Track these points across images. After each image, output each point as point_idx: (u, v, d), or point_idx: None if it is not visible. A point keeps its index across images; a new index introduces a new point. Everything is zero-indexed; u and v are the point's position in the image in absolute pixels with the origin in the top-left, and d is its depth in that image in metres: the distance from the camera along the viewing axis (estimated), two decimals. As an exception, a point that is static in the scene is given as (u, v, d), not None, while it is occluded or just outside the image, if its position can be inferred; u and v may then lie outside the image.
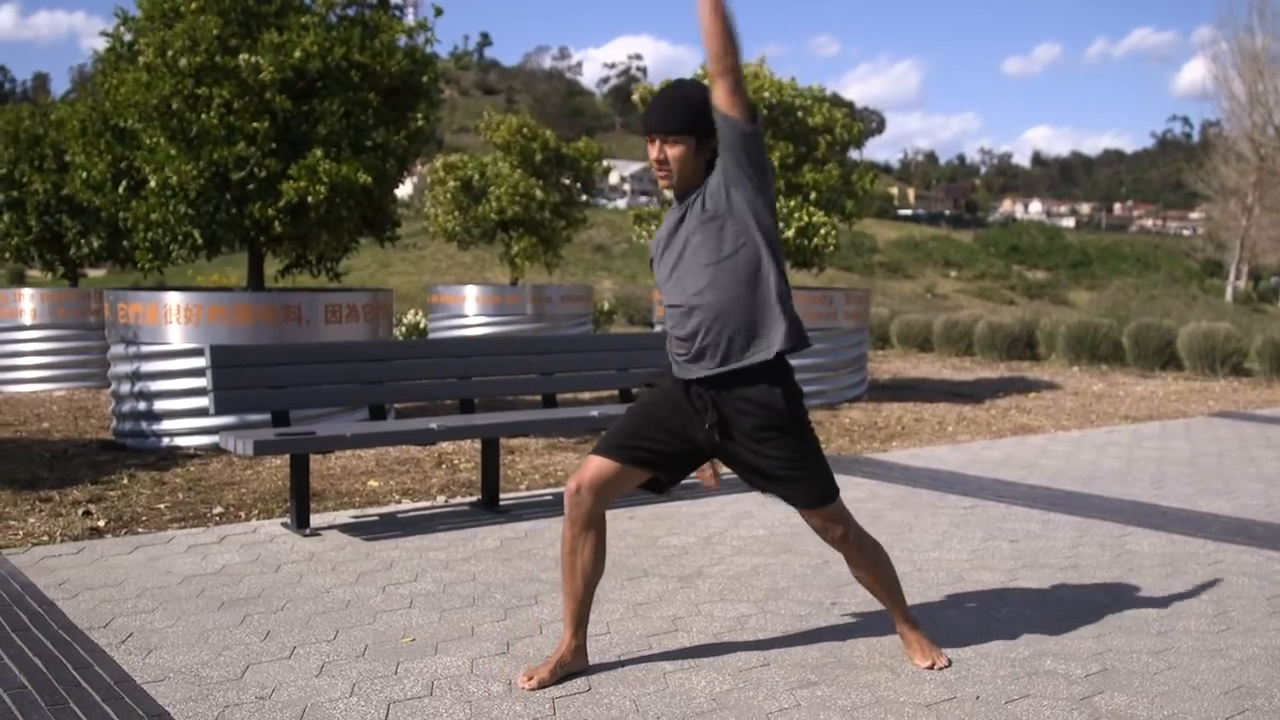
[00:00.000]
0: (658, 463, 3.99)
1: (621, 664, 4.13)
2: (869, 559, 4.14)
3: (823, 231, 11.54)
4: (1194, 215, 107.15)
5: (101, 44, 9.23)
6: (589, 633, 4.38)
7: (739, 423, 3.88)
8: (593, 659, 4.16)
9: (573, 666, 3.99)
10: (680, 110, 3.80)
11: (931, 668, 4.11)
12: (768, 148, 11.66)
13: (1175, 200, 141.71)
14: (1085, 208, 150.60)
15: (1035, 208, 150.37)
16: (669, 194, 3.95)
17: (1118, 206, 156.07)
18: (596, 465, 3.94)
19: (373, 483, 7.48)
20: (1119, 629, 4.62)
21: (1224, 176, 57.41)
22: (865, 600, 4.90)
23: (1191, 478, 8.13)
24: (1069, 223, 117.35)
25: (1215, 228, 62.41)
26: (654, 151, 3.82)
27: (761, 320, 3.83)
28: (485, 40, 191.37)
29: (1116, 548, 6.00)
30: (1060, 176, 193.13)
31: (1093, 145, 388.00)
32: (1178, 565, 5.66)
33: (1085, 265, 67.53)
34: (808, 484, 3.95)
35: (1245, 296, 54.40)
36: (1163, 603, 5.01)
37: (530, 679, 3.88)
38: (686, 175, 3.85)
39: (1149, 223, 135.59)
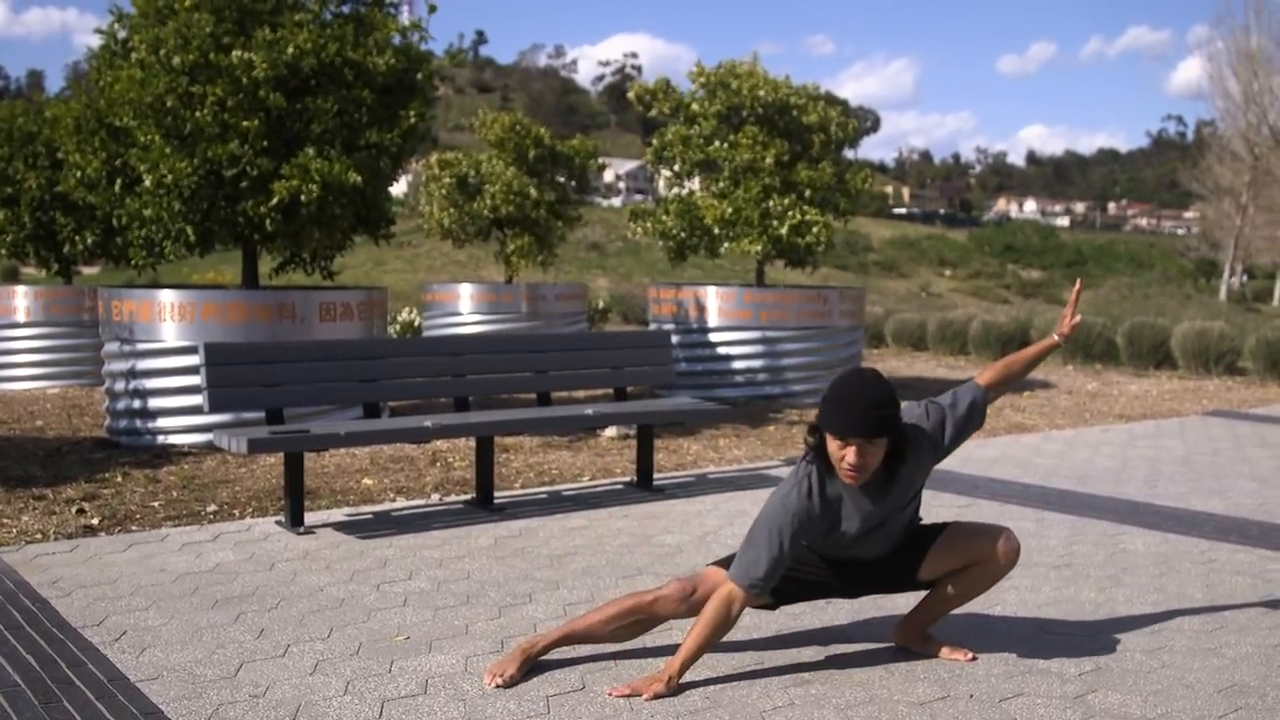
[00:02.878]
0: (782, 591, 4.10)
1: (615, 662, 4.13)
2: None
3: (815, 230, 11.54)
4: (1188, 214, 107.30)
5: (96, 41, 9.21)
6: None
7: None
8: (587, 657, 4.16)
9: (530, 665, 4.01)
10: (881, 417, 3.73)
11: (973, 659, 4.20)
12: (761, 145, 11.71)
13: (1170, 199, 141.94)
14: (1080, 207, 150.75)
15: (1030, 207, 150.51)
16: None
17: (1112, 206, 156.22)
18: (714, 582, 3.99)
19: (367, 481, 7.47)
20: (1112, 627, 4.63)
21: (1218, 176, 57.51)
22: (860, 599, 4.90)
23: (1185, 476, 8.14)
24: (1063, 222, 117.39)
25: (1210, 227, 62.54)
26: (851, 457, 3.73)
27: None
28: (480, 38, 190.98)
29: (1110, 546, 6.01)
30: (1055, 175, 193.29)
31: (1087, 144, 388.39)
32: (1171, 564, 5.67)
33: (1080, 264, 67.53)
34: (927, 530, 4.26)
35: (1239, 296, 54.49)
36: (1156, 601, 5.02)
37: (500, 675, 3.89)
38: (873, 470, 3.83)
39: (1143, 222, 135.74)
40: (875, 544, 4.05)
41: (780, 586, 3.97)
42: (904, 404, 3.91)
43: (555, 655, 4.14)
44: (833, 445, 3.76)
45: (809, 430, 3.87)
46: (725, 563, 4.03)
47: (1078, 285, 4.75)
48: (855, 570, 4.13)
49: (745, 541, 3.90)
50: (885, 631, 4.43)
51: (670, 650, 4.06)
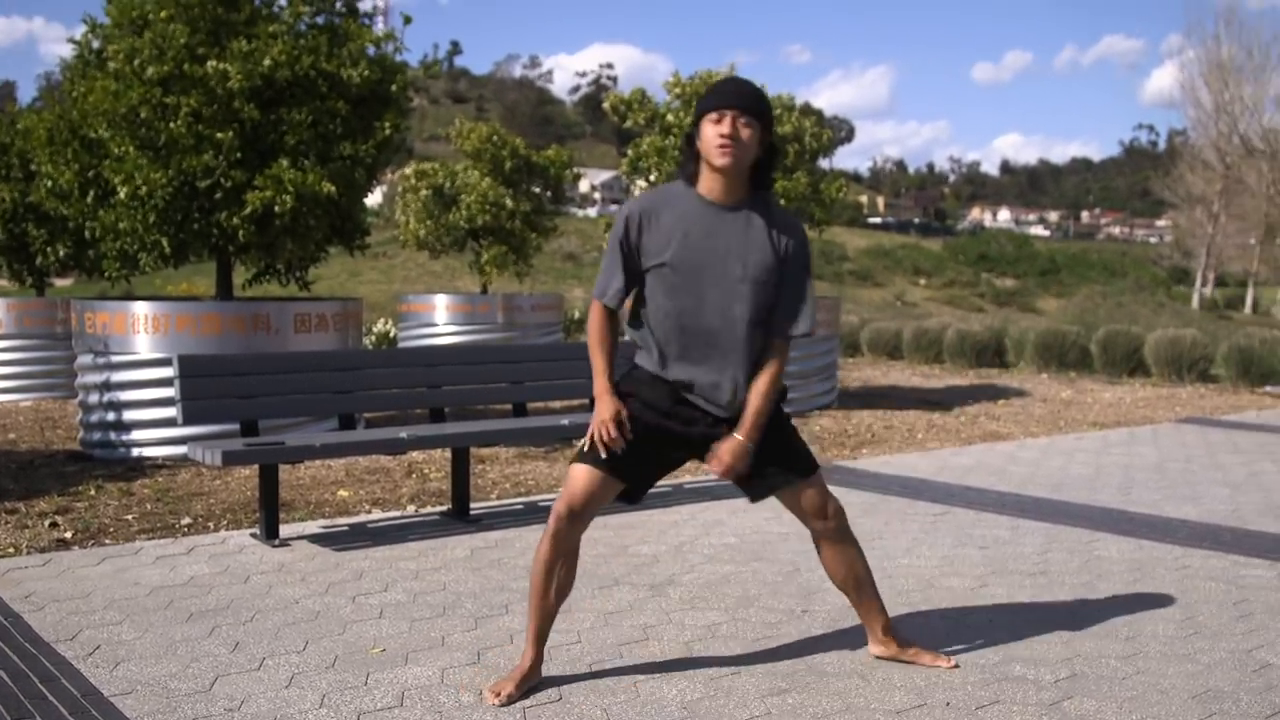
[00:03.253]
0: (641, 469, 4.00)
1: (593, 673, 4.13)
2: (855, 547, 4.20)
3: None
4: (1160, 223, 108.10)
5: (66, 50, 9.18)
6: (558, 642, 4.41)
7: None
8: (564, 668, 4.16)
9: (534, 680, 3.98)
10: (758, 95, 3.85)
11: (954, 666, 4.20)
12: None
13: (1142, 208, 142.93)
14: (1053, 215, 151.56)
15: (1004, 215, 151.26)
16: (715, 167, 3.84)
17: (1085, 214, 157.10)
18: (584, 480, 3.92)
19: (342, 492, 7.45)
20: (1088, 634, 4.65)
21: (1190, 184, 58.02)
22: (836, 608, 4.92)
23: (1159, 483, 8.18)
24: (1037, 231, 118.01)
25: (1182, 235, 63.04)
26: (725, 126, 3.75)
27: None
28: (455, 49, 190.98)
29: (1085, 553, 6.03)
30: (1028, 184, 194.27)
31: (1060, 153, 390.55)
32: (1146, 570, 5.70)
33: (1053, 273, 67.95)
34: (802, 454, 4.07)
35: (1211, 303, 54.88)
36: (1131, 608, 5.04)
37: (498, 694, 3.85)
38: (744, 165, 3.83)
39: (1116, 230, 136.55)
40: (712, 297, 3.86)
41: (632, 452, 3.93)
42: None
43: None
44: (708, 129, 3.79)
45: (681, 145, 3.94)
46: (584, 457, 3.95)
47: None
48: (707, 400, 3.97)
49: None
50: (862, 640, 4.43)
51: (642, 660, 4.05)
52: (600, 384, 3.93)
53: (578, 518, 3.93)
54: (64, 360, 12.55)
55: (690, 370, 3.93)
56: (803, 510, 4.08)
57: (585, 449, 3.95)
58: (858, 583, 4.21)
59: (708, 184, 3.86)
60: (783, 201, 11.85)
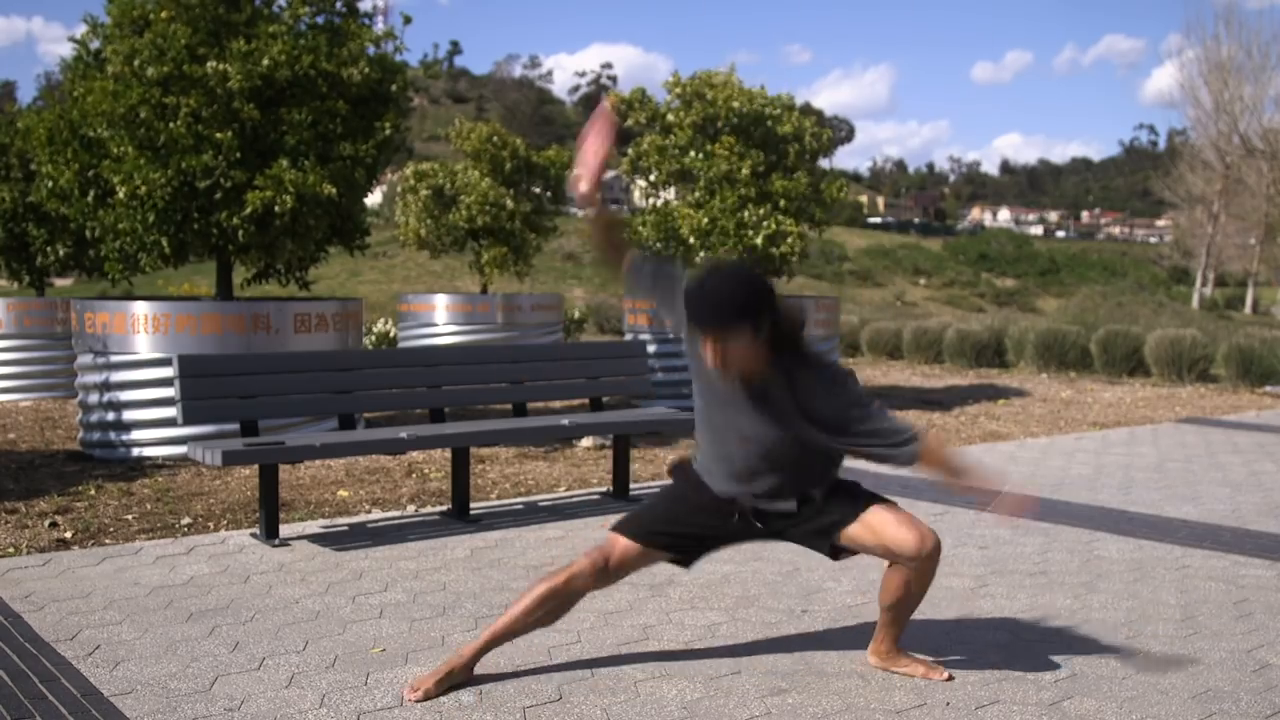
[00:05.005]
0: (687, 547, 4.05)
1: (592, 672, 4.13)
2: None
3: (790, 239, 11.58)
4: (1160, 223, 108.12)
5: (66, 50, 9.18)
6: (559, 642, 4.41)
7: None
8: (564, 668, 4.16)
9: (459, 679, 3.96)
10: (734, 308, 3.59)
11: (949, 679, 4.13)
12: (738, 156, 11.74)
13: (1142, 208, 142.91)
14: (1053, 215, 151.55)
15: (1004, 215, 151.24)
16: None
17: (1085, 214, 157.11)
18: (623, 550, 3.96)
19: (342, 492, 7.45)
20: (1088, 634, 4.65)
21: (1190, 184, 57.99)
22: (836, 608, 4.92)
23: (1159, 483, 8.18)
24: (1037, 230, 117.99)
25: (1182, 235, 63.03)
26: (709, 352, 3.64)
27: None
28: (455, 48, 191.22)
29: (1085, 553, 6.03)
30: (1028, 184, 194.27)
31: (1061, 153, 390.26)
32: (1145, 570, 5.70)
33: (1053, 273, 67.94)
34: (861, 492, 4.01)
35: (1211, 303, 54.89)
36: (1130, 608, 5.04)
37: (416, 690, 3.86)
38: (747, 364, 3.70)
39: (1116, 230, 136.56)
40: (753, 424, 3.82)
41: (684, 535, 3.97)
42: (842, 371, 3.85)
43: (531, 668, 4.13)
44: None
45: None
46: (624, 526, 3.99)
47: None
48: (765, 509, 3.96)
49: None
50: (863, 640, 4.43)
51: (642, 659, 4.05)
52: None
53: (604, 578, 3.97)
54: (64, 360, 12.55)
55: (736, 487, 3.94)
56: (898, 546, 3.89)
57: (628, 519, 4.00)
58: (906, 606, 4.09)
59: None
60: (783, 202, 11.86)
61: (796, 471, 3.90)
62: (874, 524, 3.90)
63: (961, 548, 6.11)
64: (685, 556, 4.12)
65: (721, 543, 4.14)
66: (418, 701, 3.82)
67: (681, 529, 4.01)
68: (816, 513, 3.95)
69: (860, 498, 3.98)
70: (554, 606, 4.00)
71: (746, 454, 3.86)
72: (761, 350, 3.68)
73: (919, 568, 3.90)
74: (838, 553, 4.03)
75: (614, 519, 6.62)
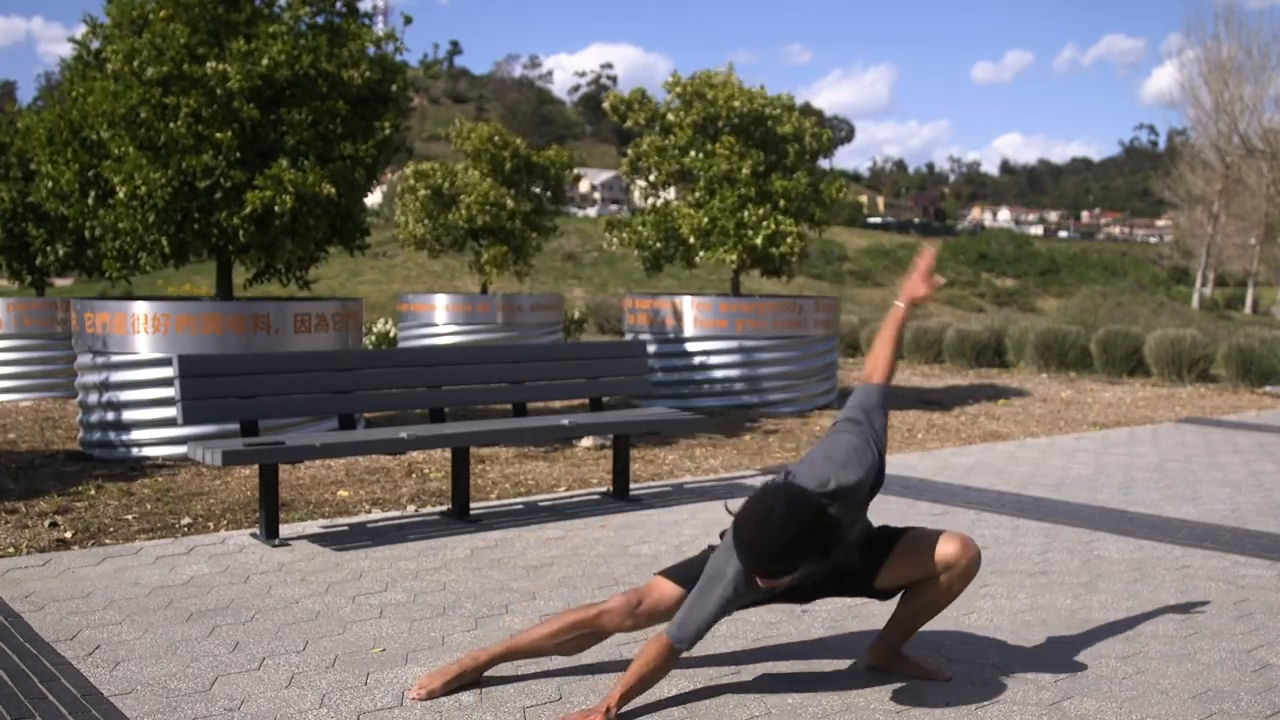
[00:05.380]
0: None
1: (592, 673, 4.13)
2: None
3: (790, 239, 11.58)
4: (1160, 223, 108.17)
5: (65, 50, 9.18)
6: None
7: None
8: (564, 668, 4.16)
9: (466, 681, 3.96)
10: (779, 549, 3.46)
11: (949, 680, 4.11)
12: (738, 156, 11.74)
13: (1142, 208, 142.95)
14: (1053, 215, 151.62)
15: (1004, 215, 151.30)
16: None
17: (1085, 214, 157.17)
18: (662, 592, 3.91)
19: (342, 492, 7.45)
20: (1087, 634, 4.65)
21: (1190, 184, 58.00)
22: (836, 608, 4.92)
23: (1159, 483, 8.18)
24: (1037, 230, 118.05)
25: (1182, 235, 63.03)
26: (762, 583, 3.55)
27: None
28: (455, 48, 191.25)
29: (1085, 553, 6.03)
30: (1028, 184, 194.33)
31: (1061, 153, 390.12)
32: (1146, 570, 5.70)
33: (1053, 273, 67.93)
34: (886, 530, 4.02)
35: (1211, 303, 54.90)
36: (1131, 608, 5.04)
37: (422, 689, 3.86)
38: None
39: (1116, 230, 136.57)
40: (827, 576, 3.84)
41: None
42: (839, 453, 3.74)
43: (533, 667, 4.13)
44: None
45: None
46: (673, 572, 3.93)
47: (929, 252, 4.32)
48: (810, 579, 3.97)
49: (693, 594, 3.73)
50: (862, 641, 4.43)
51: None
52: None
53: (636, 620, 3.92)
54: (64, 360, 12.55)
55: None
56: (949, 560, 3.88)
57: (676, 566, 3.96)
58: (922, 618, 4.09)
59: None
60: (782, 202, 11.86)
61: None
62: (911, 550, 3.94)
63: (961, 548, 6.11)
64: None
65: (769, 601, 4.04)
66: (421, 700, 3.82)
67: (725, 598, 3.77)
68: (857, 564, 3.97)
69: (882, 538, 4.01)
70: (580, 638, 3.98)
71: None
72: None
73: (966, 571, 3.91)
74: (886, 594, 4.05)
75: (613, 519, 6.64)
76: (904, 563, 3.93)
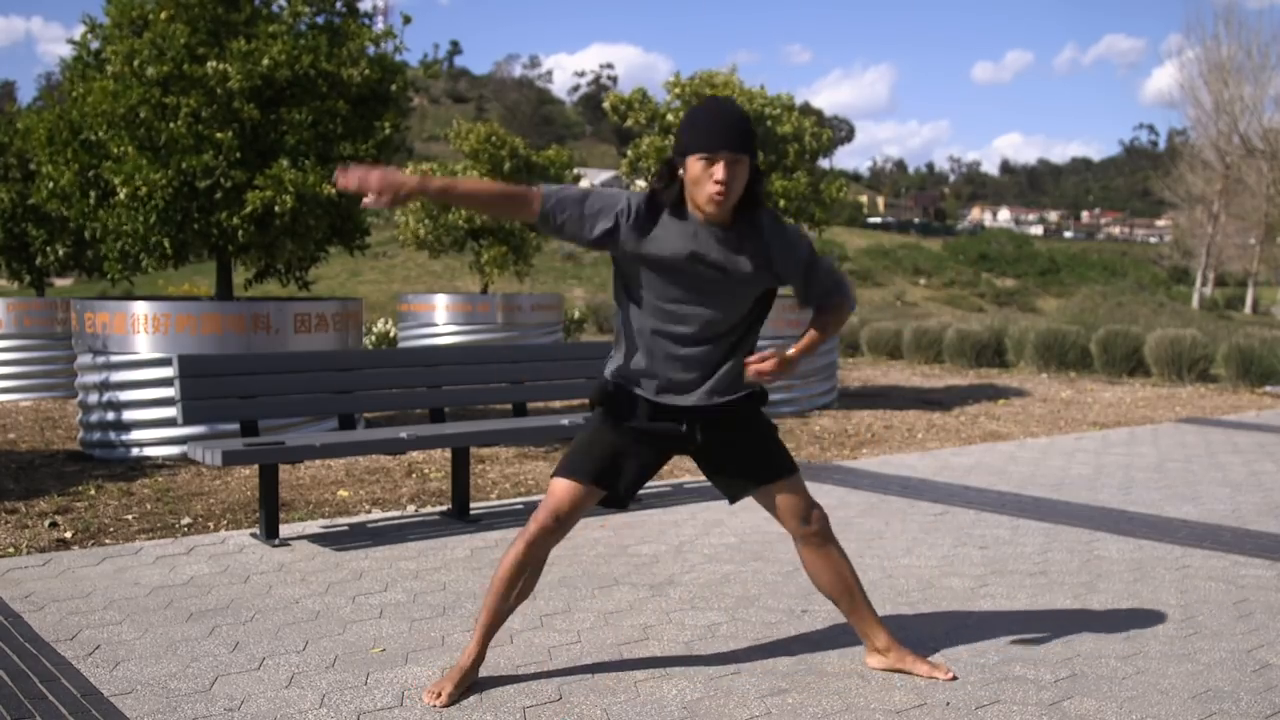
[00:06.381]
0: (624, 476, 3.96)
1: (592, 673, 4.13)
2: (839, 554, 4.13)
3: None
4: (1160, 223, 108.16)
5: (65, 50, 9.20)
6: (559, 642, 4.41)
7: (714, 434, 3.95)
8: (564, 668, 4.16)
9: (473, 679, 3.96)
10: (747, 130, 3.68)
11: (952, 678, 4.10)
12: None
13: (1142, 208, 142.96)
14: (1053, 215, 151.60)
15: (1004, 215, 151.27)
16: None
17: (1085, 214, 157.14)
18: (566, 491, 3.89)
19: (342, 492, 7.45)
20: (1088, 634, 4.65)
21: (1190, 184, 58.03)
22: (836, 608, 4.92)
23: (1159, 483, 8.18)
24: (1037, 230, 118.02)
25: (1182, 235, 63.07)
26: (719, 172, 3.62)
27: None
28: (455, 48, 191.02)
29: (1085, 553, 6.03)
30: (1028, 184, 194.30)
31: (1061, 153, 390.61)
32: (1146, 570, 5.70)
33: (1053, 273, 67.94)
34: (778, 454, 4.02)
35: (1211, 303, 54.90)
36: (1131, 608, 5.04)
37: (438, 694, 3.83)
38: (733, 204, 3.74)
39: (1116, 230, 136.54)
40: (691, 311, 3.82)
41: (612, 456, 3.92)
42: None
43: (532, 668, 4.13)
44: (696, 168, 3.64)
45: (659, 169, 3.82)
46: (562, 469, 3.93)
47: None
48: (703, 405, 3.93)
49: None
50: (862, 640, 4.44)
51: (642, 659, 4.05)
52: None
53: (560, 528, 3.91)
54: (64, 360, 12.55)
55: (662, 373, 3.90)
56: (782, 513, 4.03)
57: (566, 461, 3.94)
58: (847, 590, 4.14)
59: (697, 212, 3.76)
60: (782, 202, 11.85)
61: (729, 364, 3.92)
62: (774, 500, 4.04)
63: (962, 547, 6.11)
64: (618, 490, 3.98)
65: (646, 459, 4.00)
66: (443, 706, 3.81)
67: (611, 455, 3.92)
68: (751, 448, 3.98)
69: (771, 457, 4.03)
70: (529, 576, 3.95)
71: (691, 337, 3.84)
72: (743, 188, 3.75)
73: (811, 539, 4.08)
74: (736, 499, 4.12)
75: (613, 519, 6.64)
76: (767, 496, 4.04)
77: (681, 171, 3.71)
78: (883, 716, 3.76)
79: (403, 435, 6.48)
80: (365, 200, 3.57)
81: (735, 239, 3.77)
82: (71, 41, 9.15)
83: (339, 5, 9.40)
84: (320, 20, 9.31)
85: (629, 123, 12.68)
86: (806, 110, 13.54)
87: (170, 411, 8.11)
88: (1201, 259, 58.21)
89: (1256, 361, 16.12)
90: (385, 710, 3.76)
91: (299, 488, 7.57)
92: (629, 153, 12.76)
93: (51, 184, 8.96)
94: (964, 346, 19.00)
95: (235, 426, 6.67)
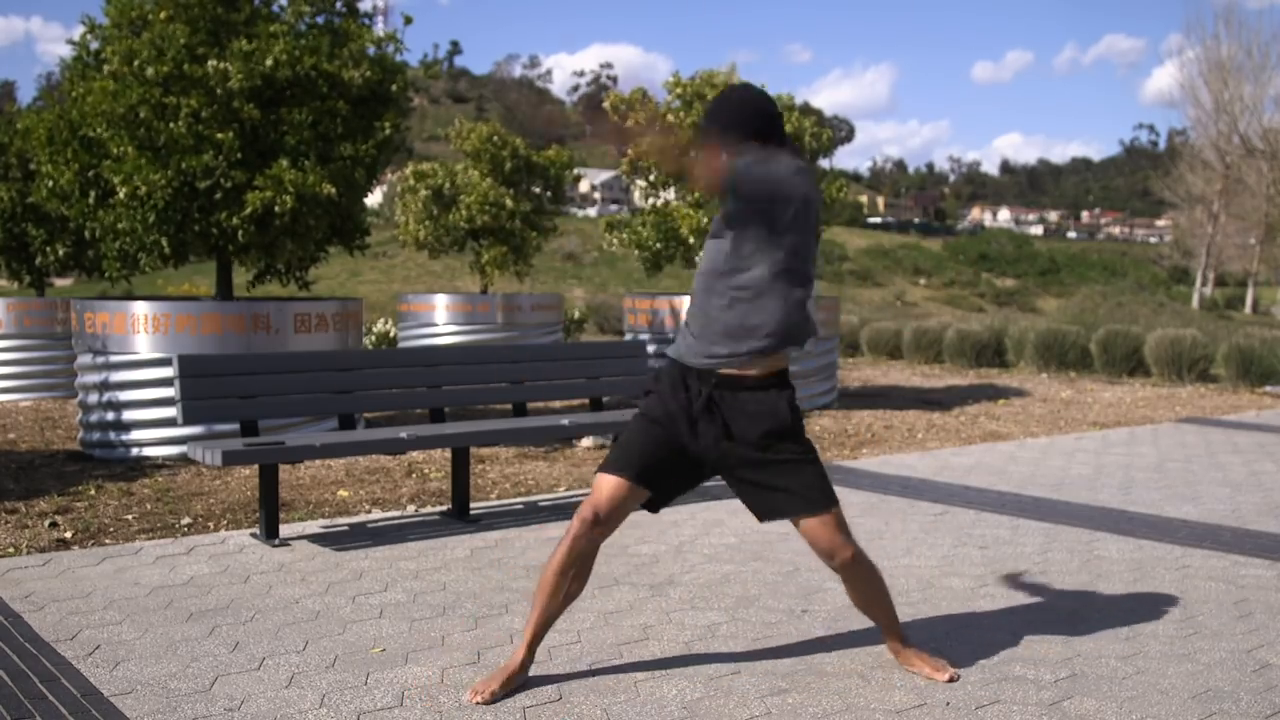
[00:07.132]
0: (666, 479, 4.01)
1: (593, 673, 4.13)
2: (871, 583, 4.11)
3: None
4: (1160, 223, 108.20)
5: (65, 50, 9.21)
6: (558, 642, 4.41)
7: (744, 431, 3.90)
8: (564, 668, 4.16)
9: (521, 679, 3.97)
10: (716, 108, 4.12)
11: (951, 680, 4.09)
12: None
13: (1142, 208, 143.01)
14: (1053, 215, 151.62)
15: (1004, 215, 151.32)
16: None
17: (1085, 214, 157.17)
18: (610, 488, 3.93)
19: (342, 492, 7.45)
20: (1088, 634, 4.65)
21: (1190, 184, 58.04)
22: (836, 608, 4.92)
23: (1159, 483, 8.18)
24: (1037, 230, 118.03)
25: (1182, 235, 63.07)
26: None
27: None
28: (455, 49, 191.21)
29: (1085, 553, 6.03)
30: (1028, 184, 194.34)
31: (1061, 153, 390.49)
32: (1146, 570, 5.70)
33: (1053, 273, 67.97)
34: (815, 486, 3.93)
35: (1211, 303, 54.90)
36: (1131, 608, 5.04)
37: (481, 693, 3.84)
38: (711, 186, 4.07)
39: (1116, 230, 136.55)
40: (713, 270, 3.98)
41: (656, 454, 3.97)
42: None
43: (532, 668, 4.12)
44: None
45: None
46: (609, 466, 3.96)
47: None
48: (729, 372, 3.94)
49: None
50: (862, 640, 4.44)
51: (642, 660, 4.04)
52: None
53: (602, 524, 3.93)
54: (64, 360, 12.55)
55: (706, 347, 3.98)
56: (809, 544, 4.00)
57: (612, 457, 3.97)
58: (881, 610, 4.17)
59: None
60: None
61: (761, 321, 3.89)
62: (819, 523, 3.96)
63: (962, 547, 6.11)
64: (659, 492, 4.06)
65: (686, 465, 4.03)
66: (485, 704, 3.81)
67: (651, 456, 3.96)
68: (779, 475, 3.92)
69: (805, 489, 3.95)
70: (575, 576, 3.98)
71: (727, 296, 3.91)
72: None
73: (840, 572, 4.06)
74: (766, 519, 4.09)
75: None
76: (798, 529, 4.00)
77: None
78: (883, 716, 3.76)
79: (403, 435, 6.48)
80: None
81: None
82: (71, 41, 9.14)
83: (339, 5, 9.39)
84: (320, 20, 9.31)
85: (629, 123, 12.67)
86: (806, 110, 13.54)
87: (170, 411, 8.11)
88: (1201, 259, 58.21)
89: (1256, 361, 16.11)
90: (385, 710, 3.76)
91: (299, 488, 7.57)
92: (629, 152, 12.75)
93: (51, 183, 8.96)
94: (964, 346, 19.00)
95: (235, 426, 6.67)
